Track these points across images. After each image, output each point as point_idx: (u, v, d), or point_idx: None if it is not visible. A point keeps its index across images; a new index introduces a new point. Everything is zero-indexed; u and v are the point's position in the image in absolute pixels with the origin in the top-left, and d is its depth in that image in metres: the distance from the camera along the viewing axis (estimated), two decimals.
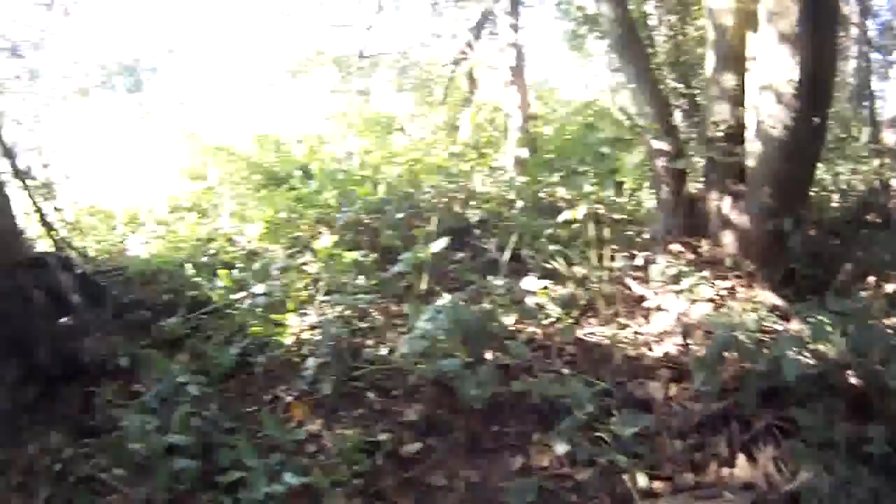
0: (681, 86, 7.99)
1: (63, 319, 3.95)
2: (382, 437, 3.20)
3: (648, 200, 6.59)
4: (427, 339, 3.46)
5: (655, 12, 8.11)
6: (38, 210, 5.44)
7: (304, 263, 4.94)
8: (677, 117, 6.36)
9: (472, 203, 6.19)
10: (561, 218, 4.80)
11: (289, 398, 3.59)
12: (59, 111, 9.23)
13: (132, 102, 10.43)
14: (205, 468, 2.99)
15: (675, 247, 4.93)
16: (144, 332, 4.24)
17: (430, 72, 11.22)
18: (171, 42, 11.03)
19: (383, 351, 3.86)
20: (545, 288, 4.27)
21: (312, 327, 4.15)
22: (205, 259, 5.20)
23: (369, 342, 3.99)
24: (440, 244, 4.40)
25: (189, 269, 4.72)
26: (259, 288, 4.30)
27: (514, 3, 8.23)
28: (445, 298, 3.76)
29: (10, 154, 5.37)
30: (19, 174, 5.39)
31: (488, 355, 3.63)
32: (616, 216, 6.02)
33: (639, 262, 4.64)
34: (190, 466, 2.95)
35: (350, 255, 4.49)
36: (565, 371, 3.61)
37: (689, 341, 3.91)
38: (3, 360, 3.75)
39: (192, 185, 7.98)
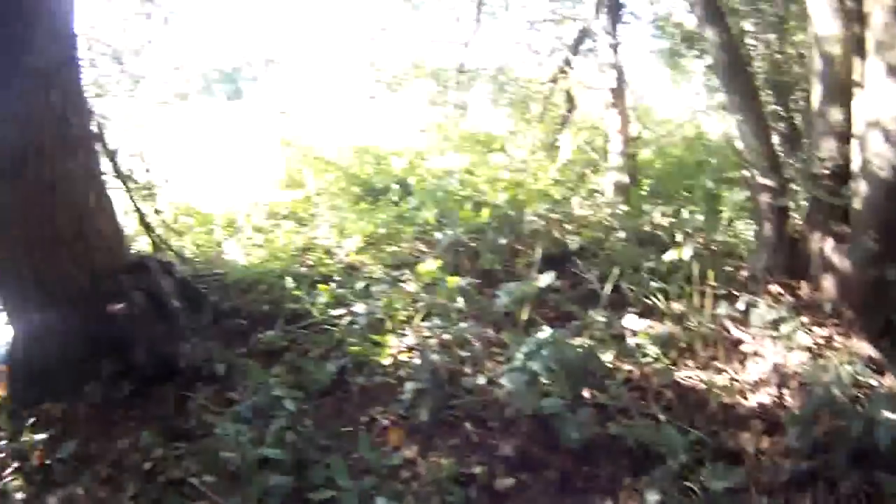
0: (780, 108, 7.76)
1: (161, 323, 4.11)
2: (477, 469, 3.25)
3: (746, 232, 6.41)
4: (528, 374, 3.48)
5: (753, 29, 7.92)
6: (139, 212, 5.69)
7: (401, 281, 5.00)
8: (777, 143, 6.15)
9: (571, 228, 6.14)
10: (667, 257, 4.71)
11: (385, 421, 3.65)
12: (159, 116, 9.63)
13: (231, 109, 10.73)
14: (297, 484, 3.08)
15: (775, 288, 4.78)
16: (241, 341, 4.37)
17: (527, 88, 11.13)
18: (271, 51, 11.21)
19: (481, 380, 3.87)
20: (649, 327, 4.24)
21: (410, 349, 4.22)
22: (302, 270, 5.31)
23: (467, 370, 4.01)
24: (546, 279, 4.40)
25: (289, 282, 4.82)
26: (360, 307, 4.38)
27: (612, 21, 8.10)
28: (546, 332, 3.75)
29: (112, 157, 5.61)
30: (121, 177, 5.66)
31: (586, 393, 3.63)
32: (714, 247, 5.88)
33: (739, 305, 4.52)
34: (282, 482, 3.05)
35: (453, 280, 4.52)
36: (661, 416, 3.57)
37: (784, 392, 3.83)
38: (101, 357, 3.98)
39: (289, 194, 8.14)
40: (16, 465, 3.53)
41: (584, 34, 9.35)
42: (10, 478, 3.46)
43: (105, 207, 4.36)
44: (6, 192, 3.89)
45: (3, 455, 3.64)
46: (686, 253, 4.59)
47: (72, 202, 4.06)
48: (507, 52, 12.33)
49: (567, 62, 9.50)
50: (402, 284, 4.95)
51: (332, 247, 6.03)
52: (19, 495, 3.34)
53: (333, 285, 4.76)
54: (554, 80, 9.70)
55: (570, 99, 9.74)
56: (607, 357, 4.05)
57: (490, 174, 7.40)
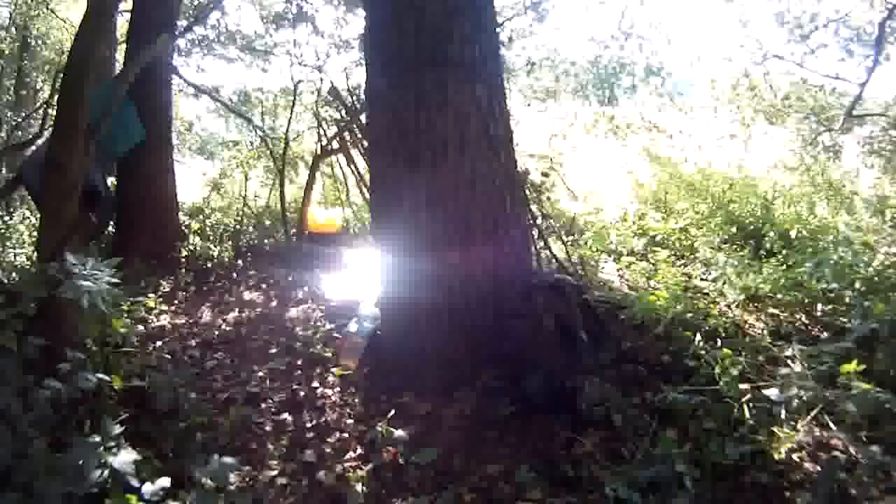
0: None
1: (565, 353, 3.86)
2: None
3: None
4: None
5: None
6: (541, 220, 5.65)
7: (789, 358, 4.46)
8: None
9: None
10: None
11: None
12: (526, 112, 9.77)
13: (603, 115, 10.62)
14: None
15: None
16: (637, 391, 3.94)
17: None
18: (652, 61, 10.88)
19: None
20: None
21: (801, 448, 3.74)
22: (689, 315, 4.96)
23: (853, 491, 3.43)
24: None
25: (684, 331, 4.44)
26: (774, 392, 3.93)
27: None
28: None
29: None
30: (531, 184, 5.67)
31: None
32: None
33: None
34: None
35: (866, 386, 3.86)
36: None
37: None
38: (480, 365, 3.90)
39: (656, 215, 7.91)
40: (360, 451, 3.57)
41: None
42: (352, 464, 3.49)
43: (519, 214, 4.38)
44: (421, 184, 3.99)
45: (346, 436, 3.74)
46: None
47: (487, 203, 4.06)
48: None
49: None
50: (790, 362, 4.38)
51: (710, 290, 5.63)
52: (359, 487, 3.28)
53: (729, 350, 4.29)
54: None
55: None
56: None
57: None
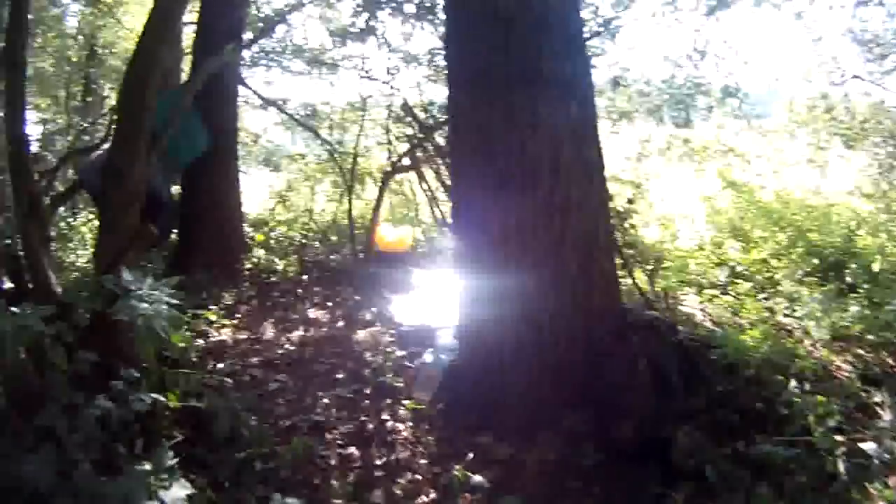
0: None
1: (659, 398, 3.58)
2: None
3: None
4: None
5: None
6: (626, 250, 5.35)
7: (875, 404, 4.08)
8: None
9: None
10: None
11: None
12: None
13: (678, 137, 10.24)
14: None
15: None
16: (728, 439, 3.59)
17: None
18: (731, 82, 10.41)
19: None
20: None
21: None
22: (777, 356, 4.59)
23: None
24: None
25: (776, 375, 4.11)
26: (871, 447, 3.58)
27: None
28: None
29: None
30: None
31: None
32: None
33: None
34: None
35: None
36: None
37: None
38: (566, 406, 3.64)
39: (734, 242, 7.53)
40: (433, 496, 3.31)
41: None
42: None
43: (610, 244, 4.12)
44: (511, 209, 3.71)
45: (418, 478, 3.46)
46: None
47: (582, 232, 3.77)
48: None
49: None
50: (879, 409, 3.99)
51: (794, 327, 5.26)
52: None
53: (822, 397, 3.94)
54: None
55: None
56: None
57: None
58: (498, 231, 3.73)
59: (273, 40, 9.58)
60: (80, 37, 12.65)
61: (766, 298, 6.02)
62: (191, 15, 8.09)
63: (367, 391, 4.34)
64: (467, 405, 3.90)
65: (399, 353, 4.84)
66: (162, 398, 3.28)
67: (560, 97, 3.69)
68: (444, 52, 4.25)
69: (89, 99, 12.84)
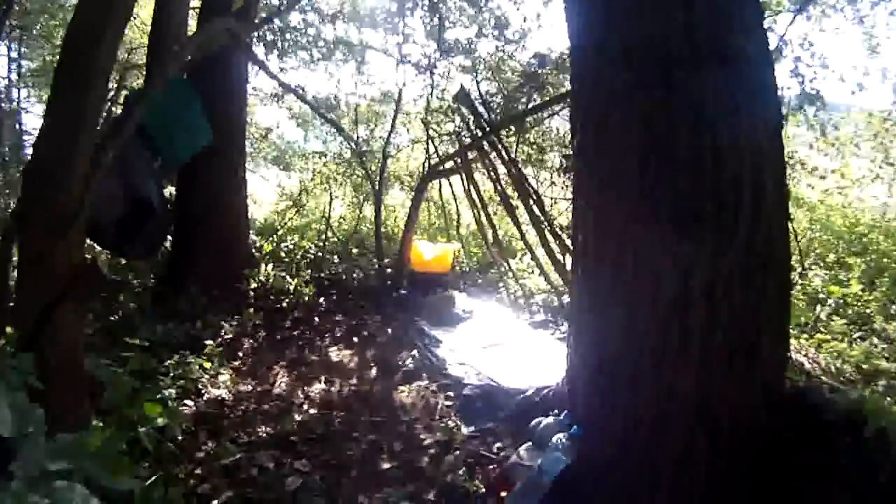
0: None
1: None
2: None
3: None
4: None
5: None
6: None
7: None
8: None
9: None
10: None
11: None
12: None
13: None
14: None
15: None
16: None
17: None
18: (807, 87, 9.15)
19: None
20: None
21: None
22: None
23: None
24: None
25: None
26: None
27: None
28: None
29: None
30: None
31: None
32: None
33: None
34: None
35: None
36: None
37: None
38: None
39: (818, 271, 6.34)
40: None
41: None
42: None
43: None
44: (692, 252, 2.33)
45: None
46: None
47: (777, 296, 2.50)
48: None
49: None
50: None
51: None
52: None
53: None
54: None
55: None
56: None
57: None
58: (671, 288, 2.36)
59: (287, 27, 8.10)
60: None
61: (860, 338, 4.91)
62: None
63: (431, 496, 2.94)
64: None
65: (465, 429, 3.49)
66: None
67: (756, 84, 2.39)
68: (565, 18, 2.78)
69: None
